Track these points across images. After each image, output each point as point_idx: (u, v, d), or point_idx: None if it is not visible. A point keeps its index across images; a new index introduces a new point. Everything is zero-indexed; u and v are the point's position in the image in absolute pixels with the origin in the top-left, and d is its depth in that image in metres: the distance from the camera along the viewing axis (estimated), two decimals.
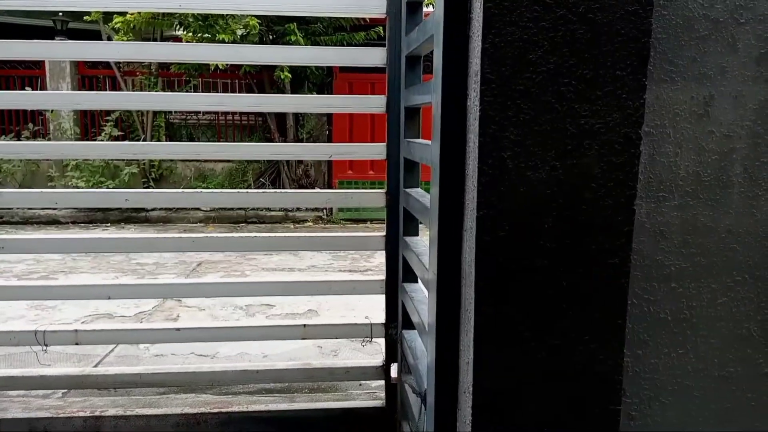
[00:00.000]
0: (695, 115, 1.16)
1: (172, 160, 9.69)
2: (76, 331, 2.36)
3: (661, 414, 1.24)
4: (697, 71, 1.15)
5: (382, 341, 2.37)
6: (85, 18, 8.78)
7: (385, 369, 2.35)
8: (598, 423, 1.11)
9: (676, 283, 1.20)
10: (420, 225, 2.02)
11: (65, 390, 2.74)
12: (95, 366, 3.47)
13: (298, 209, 8.94)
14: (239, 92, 9.85)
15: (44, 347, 2.35)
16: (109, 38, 9.10)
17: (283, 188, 9.29)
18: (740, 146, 1.17)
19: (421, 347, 1.85)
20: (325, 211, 9.09)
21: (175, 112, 9.89)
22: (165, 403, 2.56)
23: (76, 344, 2.39)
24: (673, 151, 1.16)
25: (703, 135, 1.16)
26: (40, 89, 9.55)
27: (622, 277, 1.09)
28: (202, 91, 9.72)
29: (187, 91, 9.49)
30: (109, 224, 8.50)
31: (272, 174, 9.65)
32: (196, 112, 9.94)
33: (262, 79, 9.29)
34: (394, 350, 2.29)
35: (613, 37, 1.03)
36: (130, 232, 8.14)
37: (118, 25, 8.04)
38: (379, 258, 5.13)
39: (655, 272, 1.19)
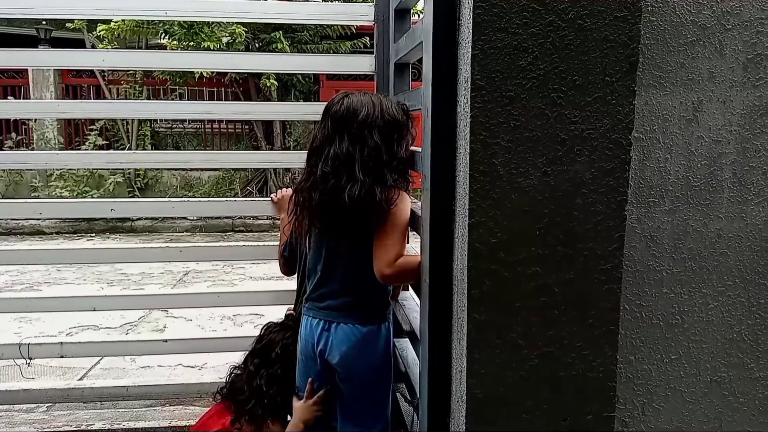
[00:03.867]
0: (684, 120, 1.16)
1: (157, 169, 9.61)
2: (61, 343, 2.32)
3: (654, 420, 1.23)
4: (685, 76, 1.15)
5: None
6: (68, 26, 8.71)
7: None
8: (592, 430, 1.11)
9: (668, 288, 1.20)
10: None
11: (50, 404, 2.69)
12: (80, 379, 3.41)
13: None
14: (225, 101, 9.80)
15: (28, 360, 2.31)
16: (93, 47, 9.03)
17: None
18: (729, 151, 1.18)
19: (412, 355, 1.84)
20: None
21: (161, 120, 9.82)
22: (152, 416, 2.52)
23: (61, 357, 2.36)
24: (663, 156, 1.17)
25: (693, 140, 1.17)
26: (23, 99, 9.45)
27: (614, 283, 1.09)
28: (188, 100, 9.65)
29: (172, 100, 9.43)
30: (94, 234, 8.40)
31: (260, 182, 9.60)
32: (182, 121, 9.88)
33: (248, 87, 9.26)
34: None
35: (602, 43, 1.03)
36: (116, 242, 8.05)
37: (102, 34, 7.98)
38: None
39: (646, 277, 1.19)
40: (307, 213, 1.62)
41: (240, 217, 8.65)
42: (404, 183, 1.60)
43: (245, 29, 7.93)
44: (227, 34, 7.73)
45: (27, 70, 9.32)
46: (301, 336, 1.73)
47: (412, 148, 1.63)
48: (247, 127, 9.87)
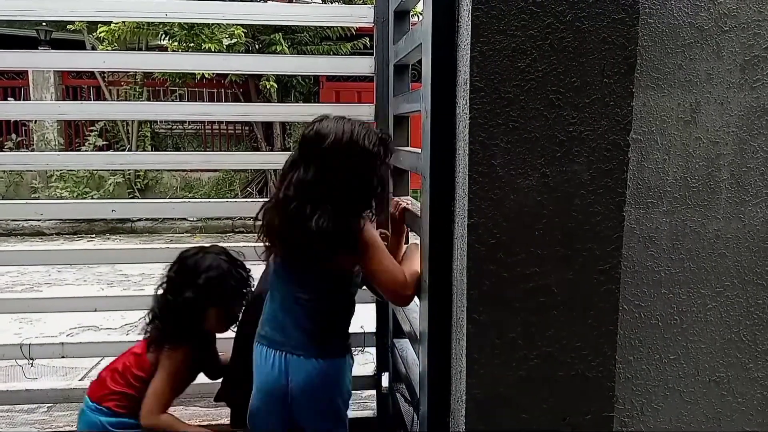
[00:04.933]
0: (682, 122, 1.17)
1: (158, 170, 9.62)
2: (62, 343, 2.32)
3: (653, 420, 1.24)
4: (683, 78, 1.16)
5: (373, 350, 2.35)
6: (68, 28, 8.71)
7: (376, 378, 2.34)
8: (591, 430, 1.11)
9: (666, 288, 1.20)
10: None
11: (51, 404, 2.69)
12: (81, 379, 3.41)
13: None
14: (225, 102, 9.81)
15: (30, 361, 2.32)
16: (94, 48, 9.03)
17: None
18: (727, 152, 1.18)
19: (412, 356, 1.84)
20: None
21: (161, 121, 9.83)
22: None
23: (63, 357, 2.36)
24: (661, 157, 1.17)
25: (691, 141, 1.17)
26: (23, 100, 9.45)
27: (612, 283, 1.09)
28: (188, 101, 9.65)
29: (172, 101, 9.43)
30: (94, 235, 8.40)
31: (260, 183, 9.61)
32: (182, 122, 9.89)
33: (248, 89, 9.26)
34: (385, 359, 2.28)
35: (600, 44, 1.04)
36: (116, 243, 8.05)
37: (102, 35, 7.99)
38: None
39: (645, 278, 1.20)
40: (269, 236, 1.56)
41: (240, 218, 8.65)
42: (369, 212, 1.54)
43: (245, 31, 7.94)
44: (227, 36, 7.74)
45: (27, 71, 9.32)
46: (255, 365, 1.63)
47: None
48: (247, 128, 9.87)
